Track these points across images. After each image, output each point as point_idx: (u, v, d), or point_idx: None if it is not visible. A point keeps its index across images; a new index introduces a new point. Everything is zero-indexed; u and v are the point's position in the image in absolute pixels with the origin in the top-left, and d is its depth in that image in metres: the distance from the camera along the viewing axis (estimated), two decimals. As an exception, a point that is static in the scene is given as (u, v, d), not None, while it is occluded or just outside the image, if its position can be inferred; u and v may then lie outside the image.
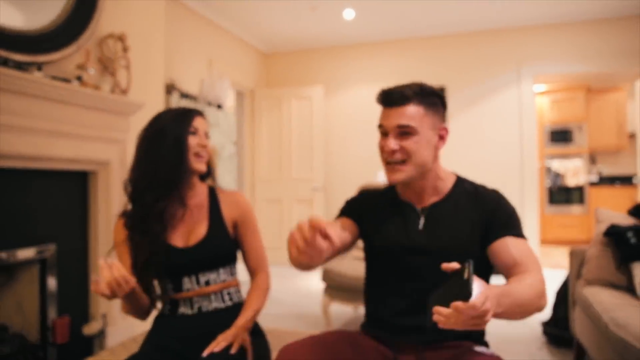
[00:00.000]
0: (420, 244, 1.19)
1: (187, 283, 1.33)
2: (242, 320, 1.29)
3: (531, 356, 2.50)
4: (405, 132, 1.14)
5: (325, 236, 0.90)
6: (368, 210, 1.30)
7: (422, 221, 1.22)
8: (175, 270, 1.32)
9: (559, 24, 4.71)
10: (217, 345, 1.19)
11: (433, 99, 1.18)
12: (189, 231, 1.36)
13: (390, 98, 1.16)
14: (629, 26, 4.50)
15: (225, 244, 1.38)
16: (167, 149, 1.31)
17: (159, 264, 1.29)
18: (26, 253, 2.13)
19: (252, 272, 1.44)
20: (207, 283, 1.34)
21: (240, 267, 1.47)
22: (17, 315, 2.21)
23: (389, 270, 1.24)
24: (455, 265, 0.87)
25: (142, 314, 1.33)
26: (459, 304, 0.79)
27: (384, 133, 1.18)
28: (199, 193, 1.41)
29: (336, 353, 1.09)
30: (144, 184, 1.30)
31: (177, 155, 1.31)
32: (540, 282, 1.03)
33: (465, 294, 0.80)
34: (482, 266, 1.17)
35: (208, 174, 1.46)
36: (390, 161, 1.17)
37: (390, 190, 1.32)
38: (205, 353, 1.18)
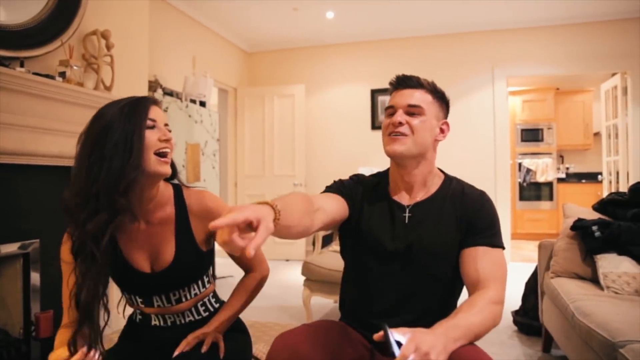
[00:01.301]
0: (403, 242, 1.20)
1: (157, 300, 1.22)
2: (215, 322, 1.23)
3: (502, 344, 2.62)
4: (413, 112, 1.19)
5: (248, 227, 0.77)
6: (360, 200, 1.28)
7: (407, 218, 1.23)
8: (142, 291, 1.21)
9: (531, 28, 4.88)
10: (187, 344, 1.15)
11: (440, 94, 1.26)
12: (154, 254, 1.18)
13: (406, 80, 1.23)
14: (596, 31, 4.71)
15: (196, 264, 1.22)
16: (114, 150, 1.04)
17: (102, 295, 1.11)
18: (9, 248, 2.13)
19: (245, 269, 1.36)
20: (179, 301, 1.22)
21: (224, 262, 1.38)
22: (0, 310, 2.20)
23: (371, 269, 1.24)
24: (380, 334, 0.88)
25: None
26: None
27: (391, 114, 1.22)
28: (163, 203, 1.18)
29: (331, 340, 1.11)
30: (85, 199, 1.05)
31: (129, 157, 1.04)
32: (491, 302, 1.04)
33: (391, 355, 0.81)
34: (456, 270, 1.19)
35: (173, 174, 1.21)
36: (394, 133, 1.18)
37: (379, 183, 1.31)
38: (175, 353, 1.14)
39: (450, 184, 1.28)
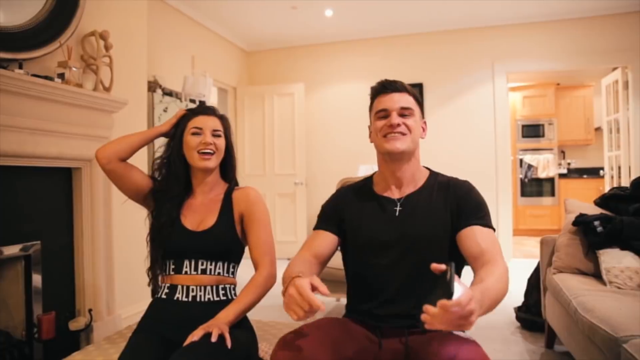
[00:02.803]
0: (397, 233, 1.28)
1: (186, 266, 1.41)
2: (223, 313, 1.32)
3: (505, 340, 2.62)
4: (405, 114, 1.31)
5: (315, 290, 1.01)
6: (346, 210, 1.39)
7: (398, 211, 1.32)
8: (180, 248, 1.42)
9: (531, 24, 4.87)
10: (194, 335, 1.22)
11: (418, 97, 1.38)
12: (201, 220, 1.46)
13: (393, 85, 1.33)
14: (597, 26, 4.69)
15: (228, 236, 1.45)
16: (174, 148, 1.50)
17: (167, 235, 1.43)
18: (11, 250, 2.13)
19: (255, 266, 1.47)
20: (204, 272, 1.41)
21: (244, 271, 1.50)
22: (2, 312, 2.20)
23: (370, 263, 1.31)
24: (442, 266, 0.89)
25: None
26: (445, 301, 0.80)
27: (384, 116, 1.31)
28: (216, 189, 1.53)
29: (334, 338, 1.15)
30: (164, 173, 1.52)
31: (179, 154, 1.49)
32: (505, 271, 1.11)
33: (448, 295, 0.81)
34: (456, 254, 1.25)
35: (229, 175, 1.57)
36: (392, 133, 1.29)
37: (367, 184, 1.43)
38: (185, 344, 1.21)
39: (436, 177, 1.39)
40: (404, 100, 1.32)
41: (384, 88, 1.35)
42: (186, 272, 1.41)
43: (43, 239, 2.29)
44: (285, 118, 5.28)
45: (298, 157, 5.23)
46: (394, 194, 1.36)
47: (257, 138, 5.37)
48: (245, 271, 1.60)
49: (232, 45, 5.37)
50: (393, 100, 1.32)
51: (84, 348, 1.62)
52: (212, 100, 5.13)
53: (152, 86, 3.49)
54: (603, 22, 4.68)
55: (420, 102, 1.39)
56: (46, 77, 2.18)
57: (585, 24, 4.73)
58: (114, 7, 2.76)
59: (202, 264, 1.42)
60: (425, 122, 1.41)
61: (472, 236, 1.21)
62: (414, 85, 5.10)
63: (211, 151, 1.46)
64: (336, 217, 1.39)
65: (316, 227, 1.42)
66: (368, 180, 1.45)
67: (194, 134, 1.46)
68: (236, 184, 1.58)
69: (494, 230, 1.25)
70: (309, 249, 1.35)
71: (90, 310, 2.46)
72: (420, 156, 1.39)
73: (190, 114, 1.52)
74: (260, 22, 4.87)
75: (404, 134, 1.29)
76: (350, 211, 1.38)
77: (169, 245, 1.43)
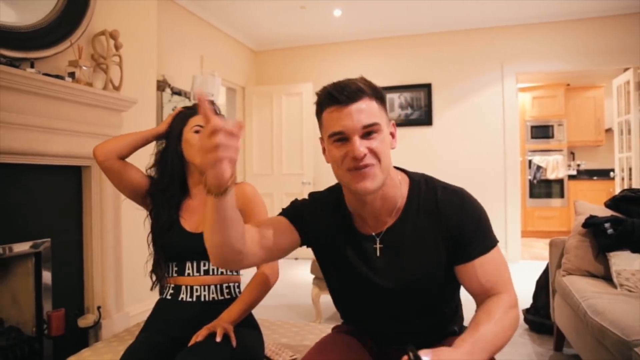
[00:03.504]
0: (383, 281, 1.06)
1: (189, 268, 1.41)
2: (227, 312, 1.32)
3: (513, 343, 2.60)
4: (370, 131, 0.97)
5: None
6: (321, 230, 1.12)
7: (379, 251, 1.07)
8: (180, 251, 1.41)
9: (541, 24, 4.83)
10: (199, 335, 1.23)
11: (379, 93, 1.03)
12: (200, 221, 1.43)
13: (346, 92, 0.97)
14: (608, 26, 4.65)
15: None
16: (171, 145, 1.46)
17: (168, 237, 1.41)
18: (21, 247, 2.15)
19: (257, 268, 1.45)
20: (207, 272, 1.40)
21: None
22: (12, 308, 2.23)
23: (355, 307, 1.17)
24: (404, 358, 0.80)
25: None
26: None
27: (341, 139, 0.98)
28: None
29: (344, 357, 1.08)
30: (160, 172, 1.48)
31: (177, 151, 1.44)
32: (507, 308, 0.96)
33: None
34: (453, 281, 1.08)
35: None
36: (359, 167, 0.97)
37: (341, 206, 1.12)
38: (190, 344, 1.22)
39: (419, 191, 1.08)
40: (366, 112, 0.97)
41: (333, 99, 0.98)
42: (189, 274, 1.41)
43: (53, 236, 2.31)
44: (293, 118, 5.28)
45: (306, 156, 5.24)
46: (372, 227, 1.08)
47: (265, 137, 5.39)
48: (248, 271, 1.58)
49: (241, 45, 5.39)
50: (351, 118, 0.96)
51: (93, 345, 1.64)
52: (220, 100, 5.15)
53: (161, 85, 3.51)
54: (614, 22, 4.63)
55: (383, 99, 1.04)
56: (57, 76, 2.20)
57: (596, 24, 4.69)
58: (123, 7, 2.78)
59: (205, 265, 1.41)
60: (394, 124, 1.08)
61: (473, 273, 1.01)
62: (422, 86, 5.15)
63: None
64: (303, 226, 1.11)
65: (278, 215, 1.14)
66: (341, 200, 1.12)
67: (196, 131, 1.42)
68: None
69: (497, 243, 1.05)
70: (256, 221, 1.11)
71: (99, 308, 2.48)
72: (392, 164, 1.05)
73: (189, 112, 1.48)
74: (269, 21, 4.88)
75: (371, 165, 0.97)
76: (321, 232, 1.12)
77: (170, 248, 1.42)
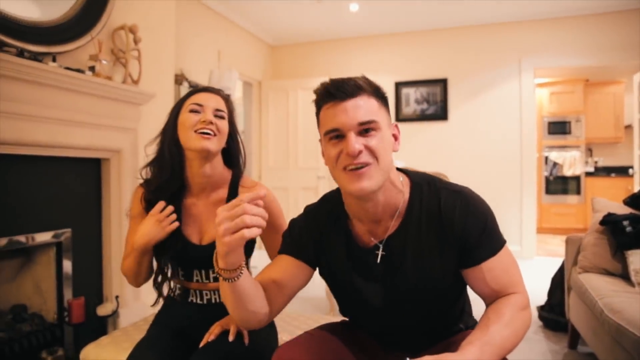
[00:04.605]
0: (384, 290, 1.03)
1: (197, 275, 1.31)
2: None
3: (527, 340, 2.59)
4: (368, 128, 0.93)
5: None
6: (321, 248, 1.09)
7: (380, 258, 1.02)
8: (186, 262, 1.31)
9: (559, 18, 4.75)
10: (211, 334, 1.18)
11: (380, 92, 1.01)
12: (204, 229, 1.30)
13: (343, 88, 0.94)
14: (628, 20, 4.55)
15: None
16: (167, 130, 1.28)
17: (173, 251, 1.28)
18: (43, 237, 2.21)
19: None
20: (216, 279, 1.30)
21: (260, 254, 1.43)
22: (35, 295, 2.29)
23: (359, 317, 1.13)
24: None
25: (143, 280, 1.32)
26: None
27: (337, 137, 0.95)
28: (219, 185, 1.32)
29: (334, 348, 1.04)
30: (157, 165, 1.30)
31: (173, 137, 1.27)
32: (517, 309, 0.93)
33: None
34: (459, 284, 1.05)
35: (234, 161, 1.35)
36: (354, 167, 0.92)
37: (340, 216, 1.08)
38: (202, 344, 1.16)
39: (421, 193, 1.02)
40: (364, 109, 0.93)
41: (330, 96, 0.95)
42: (197, 281, 1.32)
43: (73, 226, 2.37)
44: (309, 112, 5.23)
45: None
46: (373, 235, 1.03)
47: (282, 131, 5.41)
48: (260, 260, 1.50)
49: (258, 40, 5.41)
50: (347, 114, 0.92)
51: (111, 333, 1.67)
52: (237, 94, 5.19)
53: (179, 79, 3.55)
54: (634, 17, 4.53)
55: (385, 99, 1.01)
56: (78, 70, 2.24)
57: (616, 18, 4.59)
58: (143, 2, 2.81)
59: (214, 272, 1.30)
60: (396, 126, 1.03)
61: (481, 277, 0.97)
62: (438, 81, 5.11)
63: (211, 132, 1.21)
64: (310, 248, 1.08)
65: (281, 251, 1.11)
66: (340, 208, 1.08)
67: (192, 111, 1.23)
68: (241, 172, 1.37)
69: (505, 243, 1.00)
70: (266, 273, 1.07)
71: (117, 297, 2.53)
72: (393, 166, 1.02)
73: (189, 93, 1.30)
74: (286, 16, 4.88)
75: (367, 164, 0.92)
76: (325, 252, 1.08)
77: (174, 258, 1.32)
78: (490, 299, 0.98)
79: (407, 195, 1.03)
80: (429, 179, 1.05)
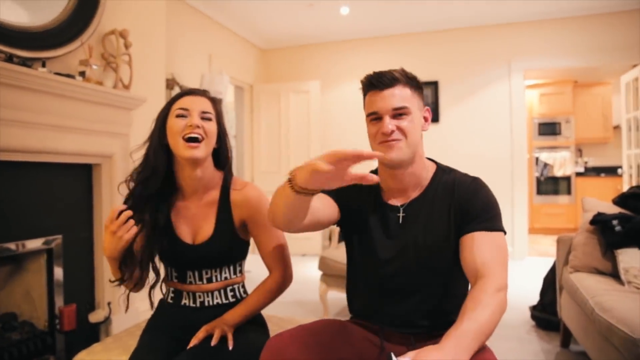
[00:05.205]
0: (399, 246, 1.18)
1: (190, 277, 1.32)
2: (230, 314, 1.27)
3: (520, 339, 2.61)
4: (400, 113, 1.14)
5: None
6: (354, 206, 1.26)
7: (401, 218, 1.21)
8: (180, 262, 1.32)
9: (548, 20, 4.81)
10: (197, 338, 1.19)
11: (415, 82, 1.20)
12: (197, 229, 1.32)
13: (382, 80, 1.15)
14: (616, 22, 4.61)
15: (230, 245, 1.32)
16: (154, 136, 1.28)
17: (156, 245, 1.27)
18: (34, 244, 2.19)
19: (268, 269, 1.38)
20: (210, 280, 1.32)
21: (254, 259, 1.44)
22: (25, 303, 2.27)
23: (371, 272, 1.23)
24: None
25: (131, 282, 1.29)
26: None
27: (376, 119, 1.17)
28: (211, 187, 1.33)
29: (324, 341, 1.08)
30: (146, 171, 1.28)
31: (161, 142, 1.26)
32: (494, 291, 0.98)
33: None
34: (458, 260, 1.14)
35: (223, 163, 1.35)
36: (386, 141, 1.14)
37: (372, 187, 1.27)
38: (189, 346, 1.18)
39: (443, 174, 1.24)
40: (398, 97, 1.14)
41: (372, 85, 1.18)
42: (191, 282, 1.32)
43: (64, 233, 2.35)
44: (301, 115, 5.30)
45: (314, 154, 5.25)
46: (398, 199, 1.23)
47: (273, 135, 5.41)
48: (255, 265, 1.52)
49: (249, 43, 5.41)
50: (384, 101, 1.14)
51: (104, 340, 1.66)
52: (228, 98, 5.18)
53: (170, 84, 3.54)
54: (622, 18, 4.59)
55: (419, 87, 1.21)
56: (68, 75, 2.23)
57: (603, 21, 4.65)
58: (133, 6, 2.80)
59: (207, 273, 1.32)
60: (428, 109, 1.24)
61: (470, 247, 1.08)
62: (429, 83, 5.13)
63: (199, 136, 1.22)
64: (343, 201, 1.25)
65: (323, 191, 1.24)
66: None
67: (178, 116, 1.23)
68: (231, 174, 1.38)
69: (504, 232, 1.12)
70: None
71: (109, 304, 2.51)
72: (424, 150, 1.24)
73: (174, 97, 1.30)
74: (277, 20, 4.89)
75: (398, 140, 1.14)
76: (356, 211, 1.25)
77: (167, 259, 1.33)
78: (472, 275, 1.05)
79: (431, 174, 1.24)
80: (451, 168, 1.28)
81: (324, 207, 1.19)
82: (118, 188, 1.34)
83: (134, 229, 1.17)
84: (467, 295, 1.02)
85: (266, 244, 1.34)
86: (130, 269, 1.25)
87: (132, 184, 1.30)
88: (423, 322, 1.17)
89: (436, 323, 1.17)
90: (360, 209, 1.25)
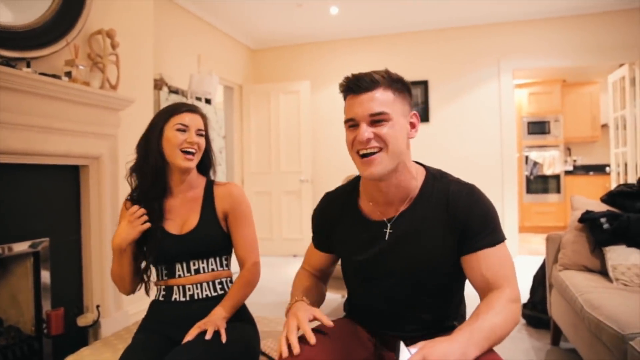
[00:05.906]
0: (388, 263, 1.12)
1: (179, 270, 1.41)
2: (218, 309, 1.33)
3: (510, 337, 2.61)
4: (378, 119, 1.04)
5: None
6: (333, 229, 1.23)
7: (388, 234, 1.12)
8: (168, 255, 1.40)
9: (537, 20, 4.84)
10: (190, 335, 1.24)
11: (399, 84, 1.09)
12: (183, 221, 1.44)
13: (360, 83, 1.06)
14: (603, 22, 4.66)
15: (214, 234, 1.43)
16: (152, 141, 1.41)
17: (155, 245, 1.39)
18: (20, 247, 2.15)
19: (241, 262, 1.46)
20: (197, 271, 1.41)
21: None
22: (12, 308, 2.23)
23: (362, 291, 1.22)
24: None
25: (128, 284, 1.44)
26: None
27: (354, 125, 1.07)
28: (195, 186, 1.48)
29: (340, 343, 1.07)
30: (140, 172, 1.44)
31: (159, 150, 1.41)
32: (508, 300, 0.98)
33: None
34: (457, 273, 1.12)
35: (207, 168, 1.53)
36: (365, 153, 1.05)
37: (352, 197, 1.21)
38: (183, 342, 1.23)
39: (433, 182, 1.13)
40: (377, 102, 1.03)
41: (349, 89, 1.09)
42: (180, 275, 1.41)
43: (51, 235, 2.31)
44: (291, 115, 5.29)
45: (304, 154, 5.25)
46: (383, 213, 1.14)
47: (263, 135, 5.39)
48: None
49: (238, 43, 5.39)
50: (362, 106, 1.04)
51: (92, 344, 1.64)
52: (217, 99, 5.15)
53: (159, 84, 3.51)
54: (610, 19, 4.64)
55: (404, 90, 1.10)
56: (53, 76, 2.20)
57: (592, 20, 4.70)
58: (120, 6, 2.77)
59: (195, 264, 1.41)
60: (415, 114, 1.12)
61: (477, 266, 1.04)
62: (419, 83, 5.15)
63: (194, 151, 1.41)
64: (323, 234, 1.27)
65: (312, 241, 1.34)
66: (354, 192, 1.22)
67: (179, 130, 1.39)
68: (212, 178, 1.55)
69: (505, 240, 1.07)
70: (309, 264, 1.34)
71: (98, 307, 2.48)
72: (410, 157, 1.13)
73: (173, 110, 1.44)
74: (266, 20, 4.88)
75: (378, 150, 1.04)
76: (337, 231, 1.22)
77: (158, 254, 1.41)
78: (483, 290, 1.04)
79: (420, 182, 1.13)
80: (442, 172, 1.17)
81: (324, 262, 1.31)
82: (127, 180, 1.48)
83: (147, 224, 1.38)
84: (480, 301, 1.02)
85: (243, 235, 1.46)
86: (139, 260, 1.44)
87: (132, 180, 1.46)
88: (418, 334, 1.13)
89: (428, 331, 1.14)
90: (344, 238, 1.21)
